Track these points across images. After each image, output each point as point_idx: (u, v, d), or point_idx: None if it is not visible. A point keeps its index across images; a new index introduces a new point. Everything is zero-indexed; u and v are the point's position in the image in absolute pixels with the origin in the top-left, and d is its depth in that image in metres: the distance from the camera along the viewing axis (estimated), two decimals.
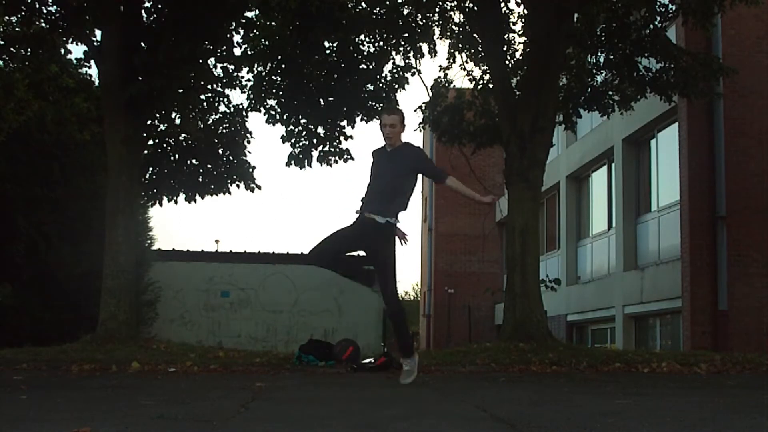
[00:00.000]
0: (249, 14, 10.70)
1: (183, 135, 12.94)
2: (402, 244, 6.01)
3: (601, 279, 18.63)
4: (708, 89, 11.56)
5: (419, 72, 13.93)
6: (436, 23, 12.11)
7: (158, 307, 15.86)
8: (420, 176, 6.12)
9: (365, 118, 12.44)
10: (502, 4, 11.43)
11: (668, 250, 15.15)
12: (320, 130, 12.45)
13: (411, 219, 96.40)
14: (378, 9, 11.47)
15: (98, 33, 9.87)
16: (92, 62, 12.23)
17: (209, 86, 11.96)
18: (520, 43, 12.03)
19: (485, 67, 11.97)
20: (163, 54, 9.17)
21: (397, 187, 5.83)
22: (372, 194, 5.87)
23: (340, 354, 7.57)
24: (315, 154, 12.59)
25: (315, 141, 12.48)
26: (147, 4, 10.06)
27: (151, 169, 12.81)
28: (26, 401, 4.52)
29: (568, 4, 9.63)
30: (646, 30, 11.22)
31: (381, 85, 12.39)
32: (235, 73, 11.97)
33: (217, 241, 43.97)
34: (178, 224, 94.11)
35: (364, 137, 26.74)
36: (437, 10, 11.81)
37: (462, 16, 11.70)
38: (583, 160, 19.66)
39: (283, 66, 11.88)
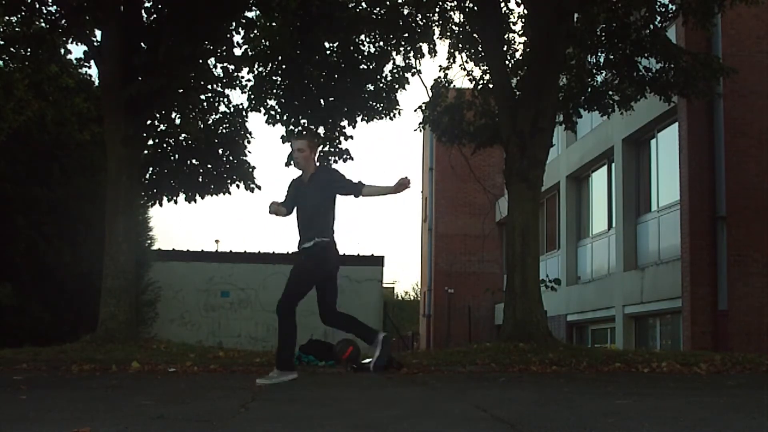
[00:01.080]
0: (249, 14, 10.70)
1: (183, 135, 12.93)
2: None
3: (601, 279, 18.63)
4: (708, 89, 11.56)
5: (419, 72, 13.92)
6: (436, 23, 12.11)
7: (158, 307, 15.89)
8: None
9: (365, 118, 12.44)
10: (502, 4, 11.43)
11: (668, 250, 15.15)
12: (320, 130, 12.45)
13: (411, 219, 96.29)
14: (378, 9, 11.48)
15: (98, 33, 9.86)
16: (92, 62, 12.22)
17: (209, 86, 11.96)
18: (520, 43, 12.04)
19: (485, 67, 11.97)
20: (163, 54, 9.17)
21: (316, 212, 6.09)
22: (299, 229, 6.17)
23: (340, 354, 7.55)
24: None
25: None
26: (147, 4, 10.06)
27: (151, 169, 12.80)
28: (26, 401, 4.52)
29: (568, 4, 9.62)
30: (646, 30, 11.21)
31: (381, 85, 12.39)
32: (235, 73, 11.96)
33: (217, 241, 43.94)
34: (178, 224, 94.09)
35: (364, 137, 26.78)
36: (437, 10, 11.81)
37: (462, 16, 11.70)
38: (583, 160, 19.66)
39: (284, 66, 11.88)
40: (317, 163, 6.36)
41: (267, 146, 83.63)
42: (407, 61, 12.39)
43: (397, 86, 12.44)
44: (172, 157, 12.94)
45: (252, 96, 12.29)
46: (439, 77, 12.86)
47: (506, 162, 10.06)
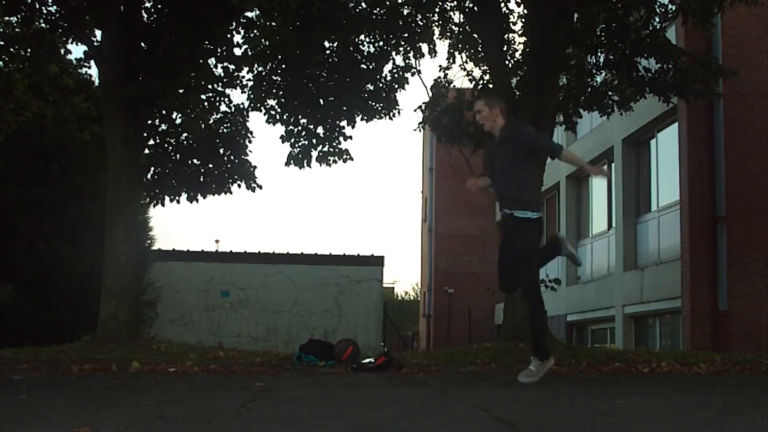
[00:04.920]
0: (249, 14, 10.70)
1: (184, 135, 12.94)
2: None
3: (601, 279, 18.63)
4: (707, 90, 11.55)
5: (419, 72, 13.93)
6: (436, 23, 12.11)
7: (158, 307, 15.91)
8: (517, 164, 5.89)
9: (365, 118, 12.43)
10: (502, 4, 11.43)
11: (668, 250, 15.16)
12: (320, 130, 12.44)
13: (411, 219, 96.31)
14: (378, 9, 11.47)
15: (98, 33, 9.86)
16: (92, 62, 12.24)
17: (210, 86, 11.95)
18: (520, 43, 12.03)
19: (485, 67, 11.96)
20: (163, 54, 9.16)
21: (518, 176, 5.75)
22: (502, 189, 5.84)
23: (340, 354, 7.56)
24: (314, 154, 12.59)
25: (314, 141, 12.48)
26: (147, 4, 10.06)
27: (152, 169, 12.81)
28: (26, 401, 4.52)
29: (568, 4, 9.63)
30: (646, 30, 11.21)
31: (381, 85, 12.38)
32: (236, 73, 11.96)
33: (217, 241, 44.05)
34: (178, 224, 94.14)
35: (364, 137, 26.81)
36: (437, 10, 11.81)
37: (462, 16, 11.70)
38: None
39: (283, 66, 11.88)
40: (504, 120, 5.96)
41: (267, 146, 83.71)
42: (407, 61, 12.38)
43: (396, 86, 12.43)
44: (174, 157, 12.94)
45: (252, 96, 12.29)
46: (439, 77, 12.86)
47: None
